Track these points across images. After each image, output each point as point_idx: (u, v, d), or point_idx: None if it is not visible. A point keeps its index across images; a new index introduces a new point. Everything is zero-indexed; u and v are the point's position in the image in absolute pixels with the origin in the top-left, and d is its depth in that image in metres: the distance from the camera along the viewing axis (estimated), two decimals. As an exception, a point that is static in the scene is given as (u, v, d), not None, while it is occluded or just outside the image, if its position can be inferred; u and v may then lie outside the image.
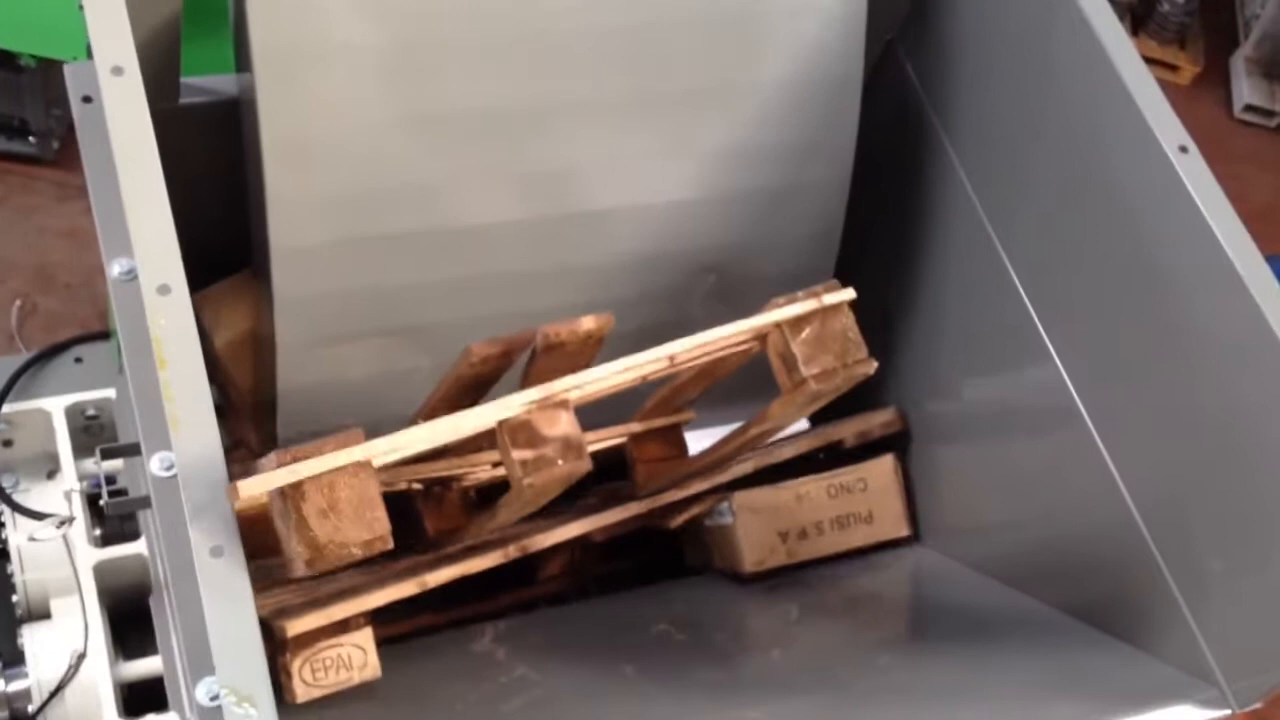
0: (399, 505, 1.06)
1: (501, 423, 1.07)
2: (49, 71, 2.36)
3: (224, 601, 0.86)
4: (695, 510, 1.50)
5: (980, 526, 1.52)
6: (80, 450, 1.75)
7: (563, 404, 1.08)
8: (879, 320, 1.34)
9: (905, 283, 1.57)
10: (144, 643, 1.65)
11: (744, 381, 1.29)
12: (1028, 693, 1.24)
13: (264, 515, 0.97)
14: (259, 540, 0.98)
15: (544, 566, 1.57)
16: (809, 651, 1.41)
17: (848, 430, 1.59)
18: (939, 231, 1.52)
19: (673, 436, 1.47)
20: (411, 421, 1.30)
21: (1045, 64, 1.34)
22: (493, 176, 1.38)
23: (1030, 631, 1.35)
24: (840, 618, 1.49)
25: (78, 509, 1.68)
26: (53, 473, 1.79)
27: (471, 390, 1.29)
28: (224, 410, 1.56)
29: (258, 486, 0.93)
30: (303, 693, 1.17)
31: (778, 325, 1.18)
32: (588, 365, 1.24)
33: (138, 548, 1.67)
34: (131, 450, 1.38)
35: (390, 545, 0.97)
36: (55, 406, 1.78)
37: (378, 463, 0.98)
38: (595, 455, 1.15)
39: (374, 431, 1.00)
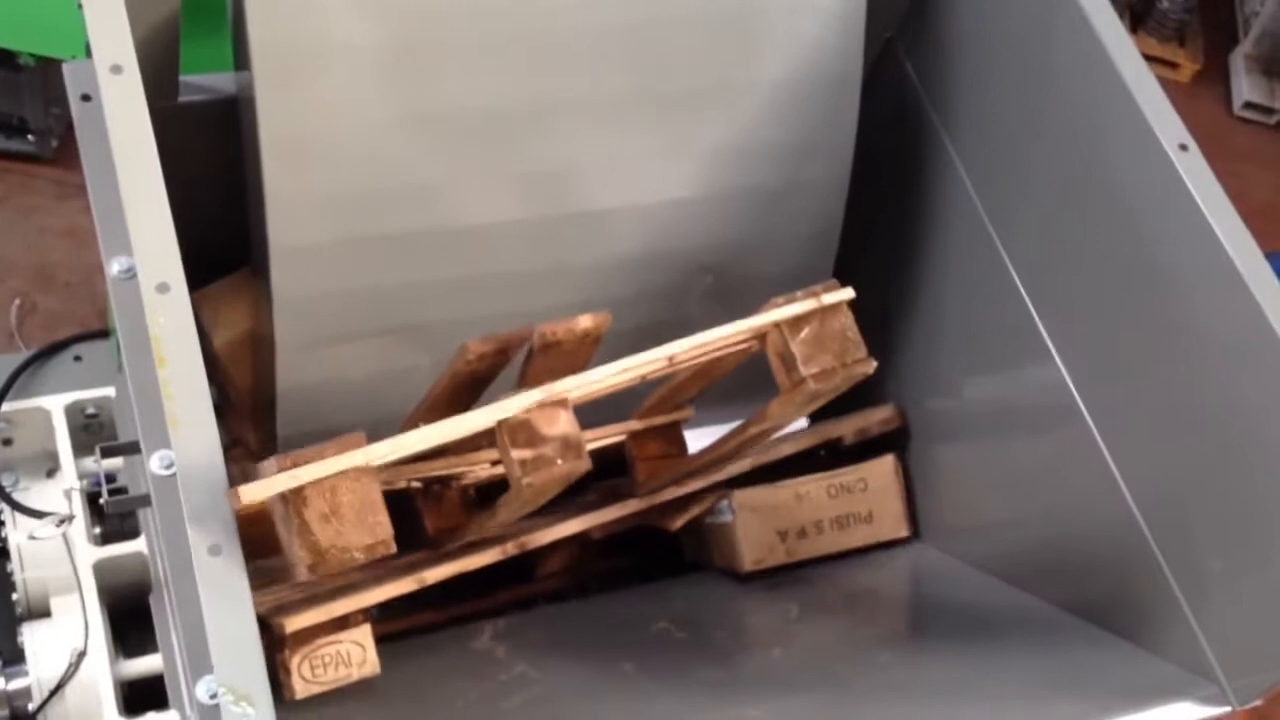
0: (398, 504, 1.06)
1: (501, 422, 1.07)
2: (48, 70, 2.36)
3: (222, 600, 0.86)
4: (696, 511, 1.50)
5: (980, 525, 1.52)
6: (80, 448, 1.76)
7: (562, 403, 1.08)
8: (878, 319, 1.34)
9: (905, 282, 1.57)
10: (144, 641, 1.65)
11: (743, 381, 1.29)
12: (1028, 690, 1.24)
13: (263, 514, 0.97)
14: (258, 538, 0.98)
15: (543, 563, 1.57)
16: (809, 649, 1.41)
17: (846, 428, 1.59)
18: (939, 230, 1.51)
19: (672, 434, 1.47)
20: (409, 419, 1.30)
21: (1045, 61, 1.34)
22: (492, 176, 1.38)
23: (1031, 629, 1.35)
24: (840, 615, 1.49)
25: (77, 507, 1.68)
26: (52, 471, 1.79)
27: (469, 388, 1.29)
28: (222, 409, 1.56)
29: (259, 492, 0.93)
30: (301, 689, 1.17)
31: (777, 325, 1.18)
32: (585, 364, 1.24)
33: (137, 546, 1.67)
34: (131, 448, 1.38)
35: (393, 549, 0.97)
36: (55, 405, 1.78)
37: (378, 464, 0.98)
38: (594, 453, 1.15)
39: (373, 430, 1.00)
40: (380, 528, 0.96)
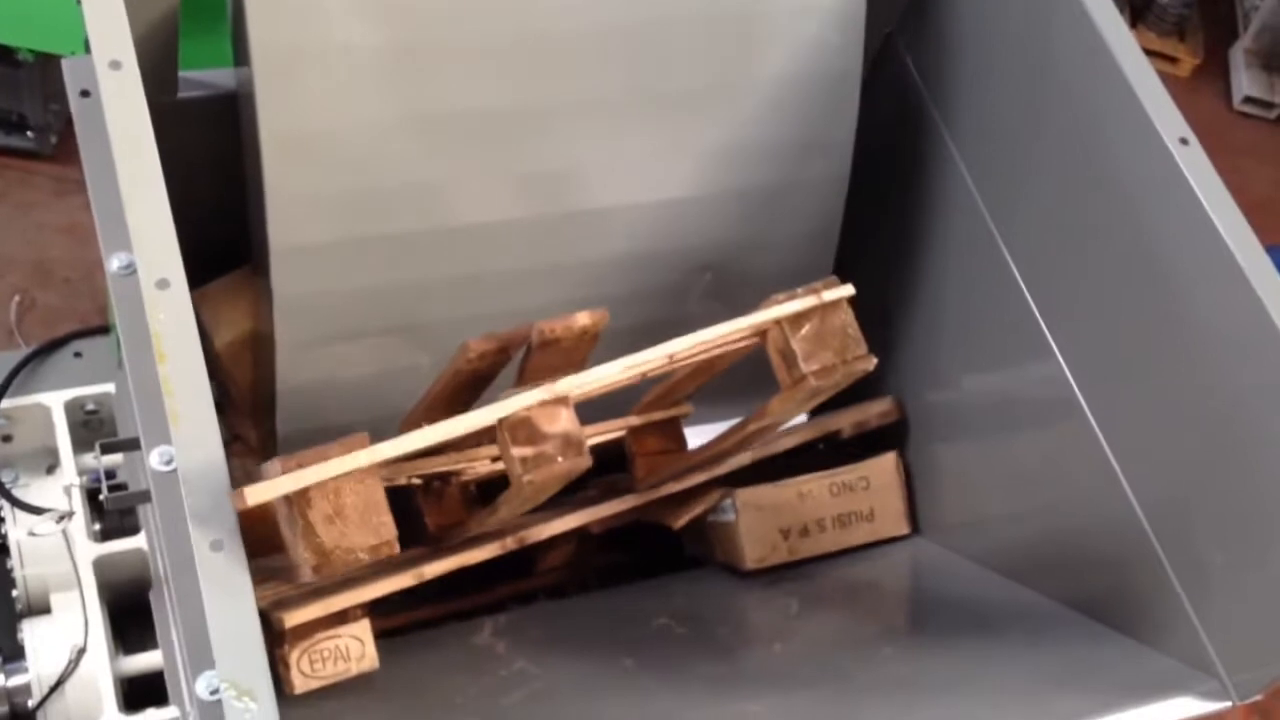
0: (399, 500, 1.06)
1: (501, 419, 1.07)
2: (47, 66, 2.36)
3: (224, 596, 0.86)
4: (697, 509, 1.50)
5: (981, 520, 1.52)
6: (80, 445, 1.76)
7: (563, 401, 1.08)
8: (879, 316, 1.34)
9: (905, 278, 1.56)
10: (144, 637, 1.65)
11: (742, 378, 1.29)
12: (1029, 685, 1.24)
13: (262, 514, 0.97)
14: (259, 535, 0.98)
15: (543, 559, 1.57)
16: (809, 644, 1.41)
17: (845, 421, 1.59)
18: (939, 226, 1.51)
19: (671, 430, 1.47)
20: (409, 417, 1.31)
21: (1046, 56, 1.34)
22: (491, 175, 1.38)
23: (1031, 624, 1.35)
24: (841, 611, 1.49)
25: (77, 504, 1.68)
26: (52, 468, 1.79)
27: (469, 386, 1.29)
28: (222, 405, 1.56)
29: (264, 493, 0.93)
30: (300, 684, 1.17)
31: (777, 322, 1.18)
32: (583, 361, 1.24)
33: (137, 542, 1.67)
34: (131, 445, 1.38)
35: (397, 550, 0.97)
36: (55, 401, 1.78)
37: (379, 461, 0.98)
38: (594, 448, 1.15)
39: (373, 428, 1.00)
40: (384, 528, 0.96)
